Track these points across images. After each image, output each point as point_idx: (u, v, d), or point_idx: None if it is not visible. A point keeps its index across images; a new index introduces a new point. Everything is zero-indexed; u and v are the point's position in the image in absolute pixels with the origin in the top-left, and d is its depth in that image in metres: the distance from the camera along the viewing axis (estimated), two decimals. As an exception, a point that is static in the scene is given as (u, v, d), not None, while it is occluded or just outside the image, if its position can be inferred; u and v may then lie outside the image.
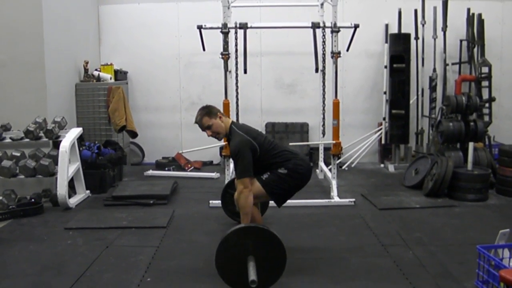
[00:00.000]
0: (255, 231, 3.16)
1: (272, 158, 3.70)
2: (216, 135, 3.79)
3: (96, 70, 6.96)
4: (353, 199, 5.30)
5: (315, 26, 5.45)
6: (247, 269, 2.98)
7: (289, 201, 5.08)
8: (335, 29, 5.44)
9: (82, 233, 4.39)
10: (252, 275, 2.90)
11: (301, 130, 7.38)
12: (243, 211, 3.58)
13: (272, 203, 4.59)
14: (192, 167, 7.15)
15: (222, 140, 5.14)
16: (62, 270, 3.57)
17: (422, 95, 7.20)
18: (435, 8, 6.96)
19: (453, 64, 7.21)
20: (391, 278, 3.40)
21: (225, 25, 5.35)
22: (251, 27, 5.45)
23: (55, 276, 3.48)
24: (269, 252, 3.11)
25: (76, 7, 6.77)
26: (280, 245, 3.11)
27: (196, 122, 3.86)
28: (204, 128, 3.80)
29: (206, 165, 7.41)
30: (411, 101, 7.12)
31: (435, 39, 7.03)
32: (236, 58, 5.55)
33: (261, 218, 3.94)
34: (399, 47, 6.94)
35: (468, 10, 7.01)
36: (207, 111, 3.79)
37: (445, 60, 7.10)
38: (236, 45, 5.48)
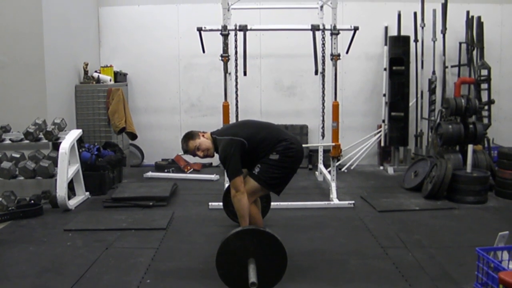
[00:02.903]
0: (256, 233, 3.15)
1: (262, 142, 3.65)
2: (207, 152, 3.76)
3: (96, 72, 6.97)
4: (353, 201, 5.30)
5: (314, 28, 5.46)
6: (247, 271, 2.99)
7: (288, 203, 5.16)
8: (335, 32, 5.44)
9: (82, 235, 4.39)
10: (253, 277, 2.90)
11: (301, 132, 7.39)
12: (239, 214, 3.59)
13: (272, 204, 4.65)
14: (192, 169, 7.16)
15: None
16: (61, 272, 3.57)
17: (422, 98, 7.21)
18: (434, 10, 6.98)
19: (452, 66, 7.22)
20: (391, 280, 3.40)
21: (225, 27, 5.36)
22: (250, 29, 5.46)
23: (55, 277, 3.48)
24: (270, 254, 3.11)
25: (76, 9, 6.78)
26: (280, 248, 3.11)
27: (185, 151, 3.83)
28: (193, 151, 3.76)
29: (206, 167, 7.41)
30: (410, 104, 7.13)
31: (434, 42, 7.05)
32: (236, 60, 5.56)
33: (261, 218, 3.93)
34: (399, 49, 6.95)
35: (468, 13, 7.03)
36: (189, 136, 3.79)
37: (444, 63, 7.12)
38: (235, 47, 5.50)
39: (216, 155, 3.80)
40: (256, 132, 3.72)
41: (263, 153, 3.65)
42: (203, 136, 3.78)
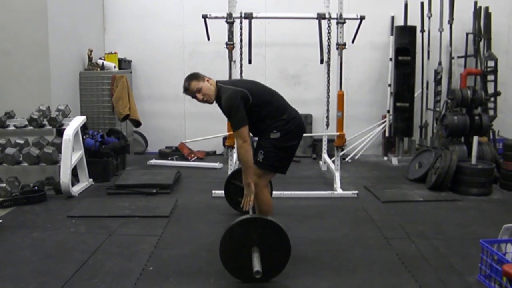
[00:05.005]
0: (260, 222, 3.15)
1: (265, 105, 3.57)
2: (207, 97, 3.62)
3: (100, 58, 6.95)
4: (356, 192, 5.30)
5: (320, 17, 5.42)
6: (251, 260, 2.99)
7: (292, 192, 5.17)
8: (341, 21, 5.41)
9: (85, 221, 4.41)
10: (257, 266, 2.91)
11: (305, 121, 7.33)
12: (245, 166, 3.45)
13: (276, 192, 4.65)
14: (195, 157, 7.16)
15: (226, 131, 5.14)
16: (64, 258, 3.59)
17: (427, 88, 7.16)
18: (441, 0, 6.89)
19: (458, 57, 7.16)
20: (394, 271, 3.40)
21: (230, 15, 5.33)
22: (256, 17, 5.44)
23: (58, 263, 3.49)
24: (274, 243, 3.12)
25: (81, -5, 6.74)
26: (284, 237, 3.11)
27: (185, 89, 3.66)
28: (194, 92, 3.60)
29: (209, 155, 7.41)
30: (415, 94, 7.08)
31: (441, 32, 6.98)
32: (241, 48, 5.53)
33: (272, 204, 3.84)
34: (405, 39, 6.89)
35: (475, 3, 6.95)
36: (194, 76, 3.63)
37: (450, 53, 7.05)
38: (241, 35, 5.46)
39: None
40: (261, 92, 3.66)
41: (264, 116, 3.57)
42: (208, 81, 3.65)
